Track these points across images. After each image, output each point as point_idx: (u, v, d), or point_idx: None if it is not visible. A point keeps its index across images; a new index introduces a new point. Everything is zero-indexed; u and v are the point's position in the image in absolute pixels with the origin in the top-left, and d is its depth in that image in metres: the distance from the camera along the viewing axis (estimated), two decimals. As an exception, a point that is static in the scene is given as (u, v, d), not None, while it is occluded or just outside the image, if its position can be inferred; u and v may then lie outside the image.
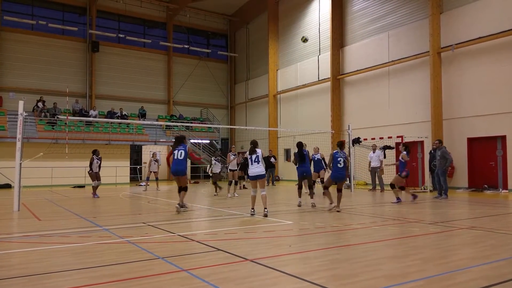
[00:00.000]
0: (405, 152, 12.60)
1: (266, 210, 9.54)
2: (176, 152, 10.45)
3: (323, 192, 10.92)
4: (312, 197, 11.67)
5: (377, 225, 8.19)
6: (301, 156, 11.55)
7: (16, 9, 26.91)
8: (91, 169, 15.66)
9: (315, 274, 4.57)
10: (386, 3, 21.44)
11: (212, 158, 17.26)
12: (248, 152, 9.73)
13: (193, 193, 18.05)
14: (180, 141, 10.72)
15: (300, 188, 11.93)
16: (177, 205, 10.31)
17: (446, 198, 13.45)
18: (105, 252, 5.85)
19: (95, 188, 15.60)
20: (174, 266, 4.98)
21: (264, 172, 9.64)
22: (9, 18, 25.73)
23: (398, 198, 12.31)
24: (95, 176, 15.63)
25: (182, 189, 10.50)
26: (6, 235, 7.41)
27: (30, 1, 27.66)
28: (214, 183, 16.85)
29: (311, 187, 11.84)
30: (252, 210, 9.67)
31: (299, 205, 11.51)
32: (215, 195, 16.08)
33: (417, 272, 4.61)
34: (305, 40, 16.66)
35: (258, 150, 9.68)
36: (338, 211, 10.14)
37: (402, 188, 12.71)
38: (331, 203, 10.66)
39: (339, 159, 10.34)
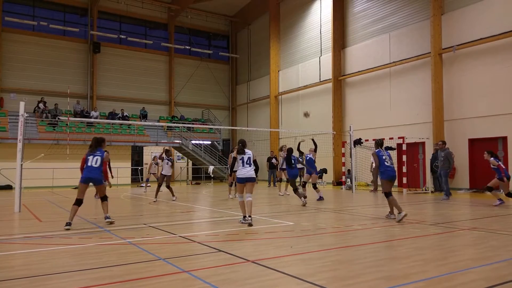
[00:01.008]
0: (492, 158, 12.15)
1: (250, 218, 8.45)
2: (91, 158, 8.82)
3: (388, 201, 9.12)
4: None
5: (378, 226, 8.18)
6: (288, 162, 12.22)
7: (17, 10, 26.96)
8: None
9: (317, 275, 4.56)
10: (388, 4, 21.44)
11: (164, 157, 15.07)
12: (236, 152, 8.67)
13: (195, 194, 18.08)
14: (98, 144, 9.08)
15: (296, 190, 12.24)
16: (106, 218, 8.76)
17: (447, 199, 13.44)
18: (106, 254, 5.85)
19: None
20: (175, 267, 4.98)
21: (255, 176, 8.75)
22: (10, 19, 25.76)
23: (500, 200, 11.81)
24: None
25: (103, 199, 8.95)
26: (7, 236, 7.42)
27: (31, 2, 27.71)
28: (159, 186, 14.43)
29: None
30: (244, 219, 8.56)
31: (304, 204, 11.86)
32: (154, 201, 14.00)
33: (418, 273, 4.60)
34: (307, 115, 15.85)
35: (249, 151, 8.75)
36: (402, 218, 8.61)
37: (489, 189, 12.19)
38: (397, 212, 8.85)
39: (384, 157, 9.28)
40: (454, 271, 4.70)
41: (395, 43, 20.87)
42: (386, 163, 9.20)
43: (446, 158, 13.70)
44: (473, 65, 17.53)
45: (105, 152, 9.25)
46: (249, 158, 8.65)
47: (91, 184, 8.67)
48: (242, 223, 8.51)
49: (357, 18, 23.39)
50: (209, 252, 5.87)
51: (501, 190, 12.43)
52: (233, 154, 14.61)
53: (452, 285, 4.20)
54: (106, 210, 8.88)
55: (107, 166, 15.35)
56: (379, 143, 9.75)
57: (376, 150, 9.49)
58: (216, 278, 4.46)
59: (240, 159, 8.63)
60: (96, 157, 8.86)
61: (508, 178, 11.99)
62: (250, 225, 8.26)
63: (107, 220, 8.71)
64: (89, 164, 8.81)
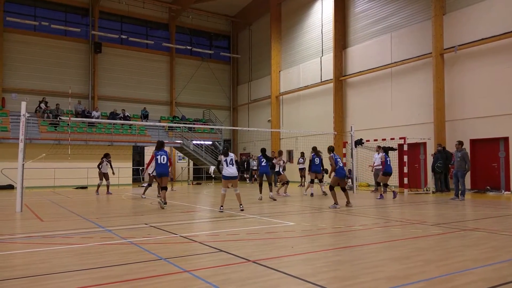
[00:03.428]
0: (383, 154, 14.75)
1: (241, 206, 10.71)
2: (159, 157, 11.74)
3: (331, 193, 11.66)
4: (271, 191, 14.26)
5: (379, 226, 8.18)
6: (266, 158, 14.43)
7: (18, 10, 27.00)
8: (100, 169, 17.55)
9: (317, 276, 4.57)
10: (389, 5, 21.42)
11: (104, 159, 17.46)
12: (222, 155, 10.58)
13: (196, 194, 18.08)
14: (162, 146, 12.09)
15: (260, 185, 14.48)
16: (160, 201, 11.71)
17: (463, 200, 13.38)
18: (107, 253, 5.86)
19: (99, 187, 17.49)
20: (176, 267, 4.99)
21: (237, 174, 10.70)
22: (12, 19, 25.80)
23: (381, 195, 14.05)
24: (102, 175, 17.46)
25: (164, 188, 11.96)
26: (9, 236, 7.44)
27: (33, 2, 27.75)
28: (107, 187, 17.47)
29: (271, 184, 14.42)
30: (221, 208, 10.53)
31: (260, 199, 13.88)
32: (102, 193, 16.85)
33: (419, 274, 4.60)
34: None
35: (232, 154, 10.63)
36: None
37: (378, 184, 14.78)
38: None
39: (338, 159, 11.73)
40: (455, 272, 4.70)
41: (397, 43, 20.85)
42: (340, 164, 11.59)
43: (463, 159, 13.59)
44: (475, 66, 17.51)
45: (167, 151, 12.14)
46: (231, 159, 10.53)
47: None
48: (220, 212, 10.33)
49: (358, 18, 23.38)
50: (210, 252, 5.87)
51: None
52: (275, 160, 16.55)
53: (453, 285, 4.20)
54: (164, 197, 11.79)
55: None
56: (331, 149, 12.08)
57: (331, 155, 11.71)
58: (217, 278, 4.47)
59: (224, 161, 10.51)
60: (163, 156, 11.77)
61: (386, 174, 14.32)
62: (242, 210, 10.43)
63: (165, 204, 11.61)
64: (159, 162, 11.72)
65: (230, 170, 10.47)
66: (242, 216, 9.84)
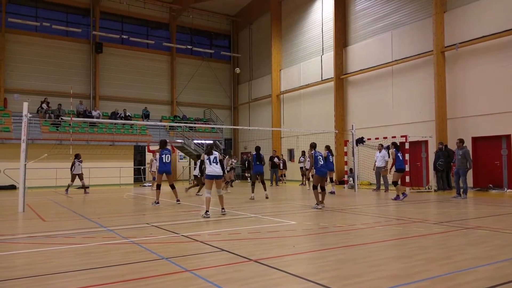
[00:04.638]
0: (394, 150, 14.07)
1: (224, 210, 9.98)
2: (164, 156, 12.35)
3: (313, 192, 11.30)
4: (265, 189, 14.58)
5: (381, 225, 8.16)
6: (258, 158, 14.33)
7: (20, 11, 27.03)
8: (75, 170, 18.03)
9: (319, 275, 4.56)
10: (389, 3, 21.38)
11: (76, 160, 17.99)
12: (205, 154, 9.98)
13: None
14: (165, 144, 12.74)
15: (253, 184, 14.49)
16: (177, 201, 12.57)
17: (466, 198, 13.33)
18: (109, 253, 5.87)
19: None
20: (178, 266, 4.99)
21: (221, 173, 9.99)
22: (14, 20, 25.82)
23: (403, 194, 13.33)
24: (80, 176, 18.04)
25: (172, 186, 12.76)
26: (11, 236, 7.44)
27: (34, 3, 27.77)
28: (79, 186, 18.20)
29: (263, 182, 14.73)
30: (206, 213, 9.39)
31: (252, 198, 13.85)
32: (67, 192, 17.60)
33: (421, 272, 4.59)
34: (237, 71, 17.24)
35: (216, 152, 10.08)
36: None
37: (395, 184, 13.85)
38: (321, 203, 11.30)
39: (318, 157, 11.23)
40: (458, 270, 4.69)
41: (397, 41, 20.81)
42: (320, 162, 11.12)
43: (464, 157, 13.54)
44: (476, 63, 17.47)
45: (171, 149, 12.90)
46: (215, 157, 9.94)
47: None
48: (204, 216, 9.32)
49: (359, 16, 23.34)
50: (212, 251, 5.87)
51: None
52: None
53: (456, 284, 4.19)
54: (176, 195, 12.64)
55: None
56: (313, 145, 11.58)
57: (312, 152, 11.30)
58: (218, 277, 4.47)
59: (207, 159, 9.87)
60: (167, 155, 12.41)
61: (398, 171, 13.63)
62: (223, 214, 9.80)
63: (178, 203, 12.41)
64: (163, 161, 12.30)
65: (214, 168, 9.74)
66: (244, 216, 9.84)
